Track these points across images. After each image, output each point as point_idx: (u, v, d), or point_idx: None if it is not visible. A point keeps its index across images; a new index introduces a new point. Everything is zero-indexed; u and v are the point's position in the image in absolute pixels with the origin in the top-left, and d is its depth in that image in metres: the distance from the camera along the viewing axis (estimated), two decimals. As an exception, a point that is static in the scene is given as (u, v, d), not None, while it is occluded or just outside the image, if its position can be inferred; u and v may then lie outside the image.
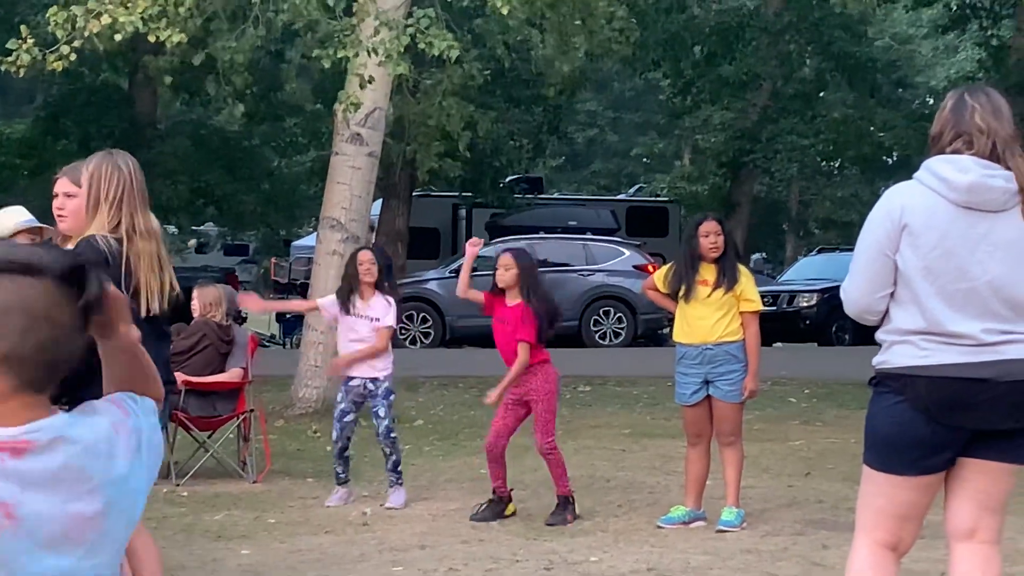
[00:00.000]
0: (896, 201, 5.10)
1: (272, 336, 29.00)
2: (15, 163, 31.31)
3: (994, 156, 5.03)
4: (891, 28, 43.80)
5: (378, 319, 10.38)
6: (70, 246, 6.25)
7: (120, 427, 2.43)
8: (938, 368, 5.03)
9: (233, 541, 9.14)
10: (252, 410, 11.83)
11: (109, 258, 5.84)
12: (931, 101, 40.18)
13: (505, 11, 13.75)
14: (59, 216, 6.50)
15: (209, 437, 11.67)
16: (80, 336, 2.36)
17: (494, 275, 9.83)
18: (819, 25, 30.81)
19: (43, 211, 7.51)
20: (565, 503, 9.75)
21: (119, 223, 5.92)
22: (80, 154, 27.05)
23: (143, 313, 5.94)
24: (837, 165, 40.66)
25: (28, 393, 2.32)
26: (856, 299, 5.22)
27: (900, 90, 37.02)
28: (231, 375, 11.56)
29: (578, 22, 18.49)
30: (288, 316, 28.25)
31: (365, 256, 10.54)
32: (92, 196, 5.96)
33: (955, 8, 30.27)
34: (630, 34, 20.33)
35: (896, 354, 5.13)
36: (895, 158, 38.67)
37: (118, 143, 25.93)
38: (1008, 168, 5.02)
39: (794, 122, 30.98)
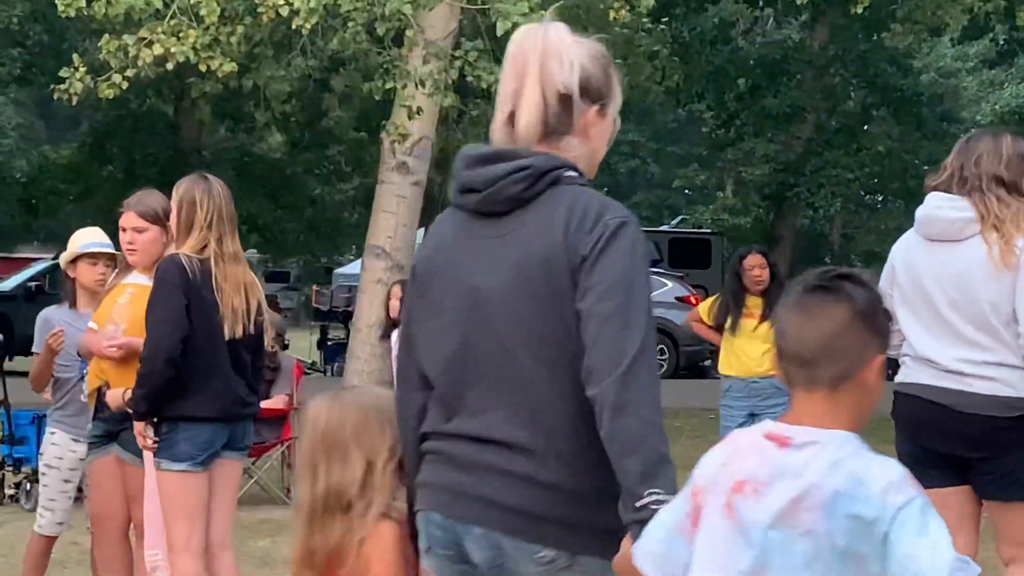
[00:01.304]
0: (897, 243, 5.53)
1: (313, 363, 29.06)
2: (60, 188, 31.55)
3: (966, 191, 5.27)
4: (936, 63, 43.70)
5: None
6: (148, 272, 6.29)
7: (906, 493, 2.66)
8: (908, 386, 5.38)
9: (278, 568, 9.15)
10: (296, 437, 11.87)
11: (190, 275, 5.88)
12: (976, 135, 39.99)
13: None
14: (129, 251, 6.52)
15: (254, 463, 11.69)
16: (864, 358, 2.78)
17: None
18: (865, 58, 30.73)
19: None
20: None
21: (205, 246, 5.96)
22: (125, 180, 27.25)
23: (225, 336, 5.99)
24: (880, 199, 40.52)
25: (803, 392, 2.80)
26: None
27: (945, 124, 36.83)
28: (276, 402, 11.60)
29: (619, 61, 18.54)
30: (330, 343, 28.30)
31: (396, 292, 10.63)
32: (184, 218, 5.98)
33: (1002, 43, 30.18)
34: (672, 73, 20.37)
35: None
36: (939, 192, 38.57)
37: (163, 169, 26.18)
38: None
39: (838, 155, 30.88)
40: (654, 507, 2.98)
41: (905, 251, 5.42)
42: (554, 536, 3.10)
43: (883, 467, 2.68)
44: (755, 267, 9.34)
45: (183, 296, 5.86)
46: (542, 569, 3.11)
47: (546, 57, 3.22)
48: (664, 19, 26.51)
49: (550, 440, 3.12)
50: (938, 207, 5.28)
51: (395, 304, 10.41)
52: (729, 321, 9.35)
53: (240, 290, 6.04)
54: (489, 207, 3.25)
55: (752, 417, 9.24)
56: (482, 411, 3.20)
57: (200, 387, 5.96)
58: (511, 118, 3.27)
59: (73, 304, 7.20)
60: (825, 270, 2.83)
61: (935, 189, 5.34)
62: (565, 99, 3.23)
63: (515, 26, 13.58)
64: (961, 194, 5.24)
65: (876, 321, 2.81)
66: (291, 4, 13.12)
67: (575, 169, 3.25)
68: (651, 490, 3.01)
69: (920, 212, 5.36)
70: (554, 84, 3.22)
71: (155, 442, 5.98)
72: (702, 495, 2.85)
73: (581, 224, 3.12)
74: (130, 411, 6.11)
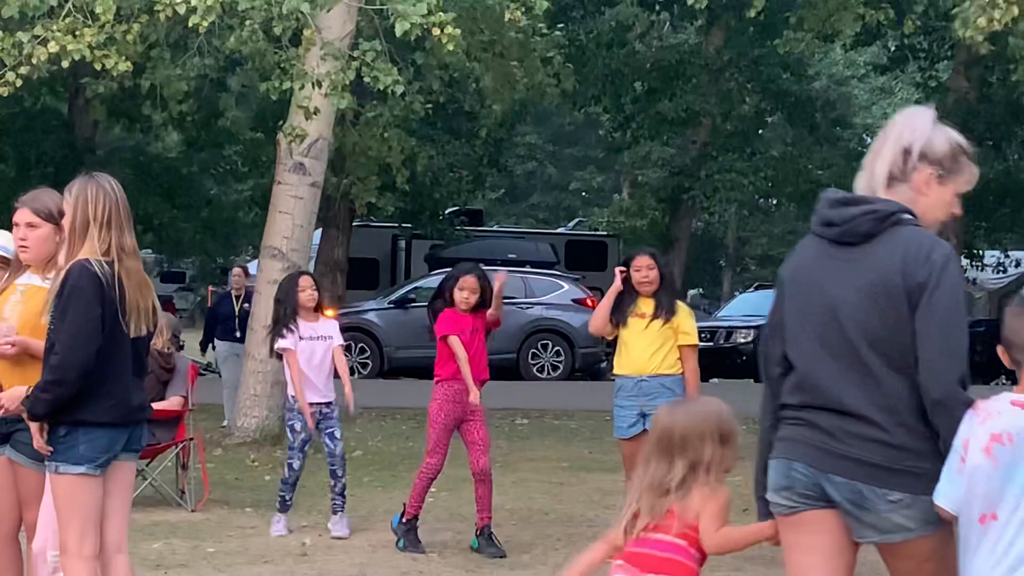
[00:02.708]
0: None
1: (208, 365, 28.86)
2: (-49, 187, 31.02)
3: None
4: (828, 69, 44.22)
5: (330, 337, 10.47)
6: (52, 274, 6.19)
7: None
8: None
9: (172, 570, 9.12)
10: (191, 438, 11.82)
11: (104, 282, 5.83)
12: (868, 139, 40.58)
13: (451, 47, 13.80)
14: (21, 248, 6.46)
15: (148, 465, 11.61)
16: None
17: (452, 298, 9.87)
18: (759, 63, 31.05)
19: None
20: (491, 532, 9.76)
21: (109, 246, 5.93)
22: (18, 179, 26.83)
23: (131, 335, 5.95)
24: (775, 202, 40.89)
25: None
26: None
27: (838, 129, 37.29)
28: (171, 403, 11.53)
29: (514, 62, 18.60)
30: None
31: (307, 282, 10.61)
32: (80, 219, 5.91)
33: (894, 49, 30.59)
34: (565, 80, 20.48)
35: None
36: (832, 196, 39.04)
37: (58, 168, 25.86)
38: None
39: (733, 159, 31.13)
40: None
41: None
42: (901, 482, 4.26)
43: None
44: (642, 268, 9.42)
45: (99, 305, 5.82)
46: (891, 506, 4.28)
47: (904, 126, 4.48)
48: (560, 23, 26.63)
49: (895, 415, 4.28)
50: None
51: (306, 296, 10.44)
52: (617, 320, 9.44)
53: (142, 288, 6.02)
54: (845, 238, 4.44)
55: (643, 417, 9.19)
56: (838, 392, 4.36)
57: (102, 392, 5.90)
58: (870, 168, 4.48)
59: None
60: None
61: None
62: (905, 154, 4.44)
63: (413, 27, 13.61)
64: None
65: None
66: (188, 2, 13.06)
67: (911, 213, 4.42)
68: None
69: None
70: (900, 143, 4.45)
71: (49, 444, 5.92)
72: (968, 447, 4.08)
73: (915, 257, 4.30)
74: (26, 410, 6.03)
